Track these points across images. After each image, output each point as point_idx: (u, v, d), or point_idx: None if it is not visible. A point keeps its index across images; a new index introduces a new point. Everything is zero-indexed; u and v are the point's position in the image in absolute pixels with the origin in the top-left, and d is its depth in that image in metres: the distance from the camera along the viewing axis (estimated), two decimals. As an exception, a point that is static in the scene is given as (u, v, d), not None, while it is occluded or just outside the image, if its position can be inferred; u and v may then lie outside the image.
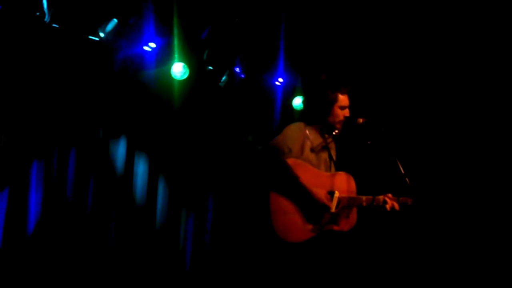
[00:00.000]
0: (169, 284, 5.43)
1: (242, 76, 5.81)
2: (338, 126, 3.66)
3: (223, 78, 5.69)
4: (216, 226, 5.75)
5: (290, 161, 3.46)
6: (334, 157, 3.73)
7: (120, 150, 5.38)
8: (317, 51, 5.62)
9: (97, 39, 4.99)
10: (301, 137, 3.58)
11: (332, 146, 3.77)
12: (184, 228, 5.71)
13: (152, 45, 5.27)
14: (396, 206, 3.53)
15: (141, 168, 5.50)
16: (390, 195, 3.56)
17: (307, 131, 3.63)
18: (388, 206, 3.52)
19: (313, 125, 3.68)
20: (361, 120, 3.66)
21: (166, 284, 5.42)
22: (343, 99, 3.64)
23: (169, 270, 5.49)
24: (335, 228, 3.51)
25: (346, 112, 3.65)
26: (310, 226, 3.43)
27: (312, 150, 3.59)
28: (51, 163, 4.89)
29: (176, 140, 5.67)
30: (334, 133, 3.72)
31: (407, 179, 3.39)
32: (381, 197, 3.55)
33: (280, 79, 5.93)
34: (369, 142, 3.61)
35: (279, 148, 3.50)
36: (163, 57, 5.41)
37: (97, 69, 5.18)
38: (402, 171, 3.41)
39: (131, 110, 5.41)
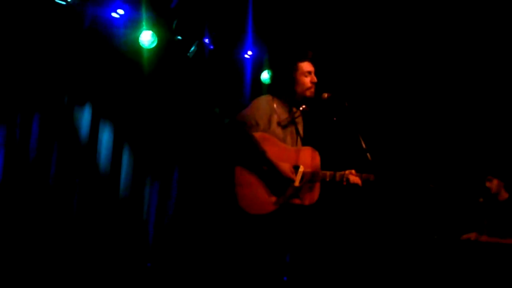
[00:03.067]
0: (131, 254, 5.44)
1: (211, 47, 5.77)
2: (308, 94, 3.65)
3: (192, 48, 5.64)
4: (181, 197, 5.75)
5: (257, 134, 3.47)
6: (300, 132, 3.75)
7: (85, 117, 5.31)
8: (285, 25, 5.60)
9: (63, 3, 4.88)
10: (268, 111, 3.58)
11: (299, 120, 3.79)
12: (148, 198, 5.70)
13: (120, 11, 5.19)
14: (359, 181, 3.58)
15: (106, 136, 5.46)
16: (353, 171, 3.59)
17: (275, 105, 3.63)
18: (350, 182, 3.57)
19: (281, 98, 3.69)
20: (325, 95, 3.67)
21: (129, 253, 5.42)
22: (304, 65, 3.65)
23: (132, 239, 5.49)
24: (298, 202, 3.54)
25: (313, 78, 3.65)
26: (273, 199, 3.46)
27: (279, 124, 3.60)
28: (13, 128, 4.81)
29: (142, 109, 5.62)
30: (301, 108, 3.74)
31: (368, 154, 3.43)
32: (344, 173, 3.59)
33: (249, 52, 5.91)
34: (334, 118, 3.64)
35: (246, 121, 3.51)
36: (132, 24, 5.34)
37: (64, 34, 5.07)
38: (364, 147, 3.46)
39: (97, 77, 5.33)
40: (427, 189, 4.18)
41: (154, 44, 5.38)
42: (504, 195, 5.24)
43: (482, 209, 5.34)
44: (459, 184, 5.69)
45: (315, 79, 3.67)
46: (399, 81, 5.87)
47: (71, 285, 4.82)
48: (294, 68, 3.65)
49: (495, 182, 5.21)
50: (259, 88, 5.90)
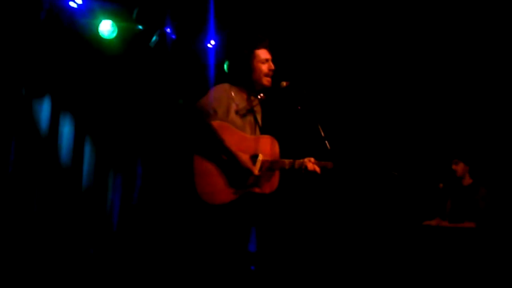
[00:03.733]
0: (96, 246, 5.38)
1: (173, 37, 5.71)
2: (265, 82, 3.64)
3: (153, 38, 5.57)
4: (144, 189, 5.70)
5: (215, 123, 3.43)
6: (259, 120, 3.73)
7: (44, 109, 5.20)
8: (243, 13, 5.56)
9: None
10: (226, 99, 3.55)
11: (258, 109, 3.77)
12: (112, 191, 5.64)
13: (79, 1, 5.08)
14: (317, 169, 3.58)
15: (66, 129, 5.36)
16: (312, 159, 3.60)
17: (233, 93, 3.60)
18: (309, 170, 3.57)
19: (239, 86, 3.66)
20: (284, 84, 3.67)
21: (93, 245, 5.36)
22: (261, 53, 3.63)
23: (96, 232, 5.43)
24: (258, 190, 3.54)
25: (271, 65, 3.64)
26: (232, 189, 3.44)
27: (237, 112, 3.57)
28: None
29: (104, 101, 5.54)
30: (259, 96, 3.72)
31: (327, 142, 3.44)
32: (302, 161, 3.59)
33: (212, 42, 5.86)
34: (299, 107, 3.62)
35: (204, 109, 3.47)
36: (91, 14, 5.24)
37: (21, 24, 4.96)
38: (323, 135, 3.46)
39: (56, 69, 5.23)
40: (390, 176, 4.20)
41: (114, 34, 5.30)
42: (468, 180, 5.32)
43: (443, 194, 5.41)
44: (421, 169, 5.76)
45: (272, 67, 3.65)
46: (358, 67, 5.89)
47: (34, 277, 4.74)
48: (251, 56, 3.63)
49: (461, 165, 5.29)
50: (223, 78, 5.87)
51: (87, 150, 5.49)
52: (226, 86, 3.63)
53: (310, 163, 3.57)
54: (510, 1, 5.15)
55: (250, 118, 3.67)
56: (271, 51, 3.68)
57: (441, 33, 5.58)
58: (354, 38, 5.75)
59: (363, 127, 5.96)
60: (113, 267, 5.32)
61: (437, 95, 5.92)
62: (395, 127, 5.97)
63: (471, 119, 5.86)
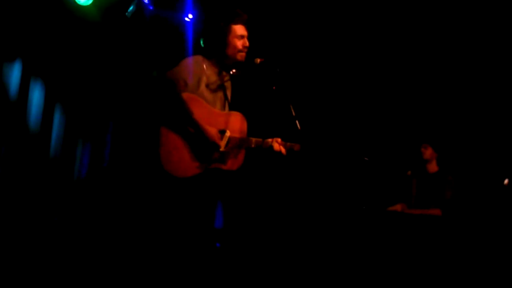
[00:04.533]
0: (59, 214, 5.34)
1: (151, 7, 5.63)
2: (239, 57, 3.61)
3: (131, 8, 5.49)
4: (112, 158, 5.66)
5: (185, 95, 3.40)
6: (229, 96, 3.71)
7: (14, 74, 5.10)
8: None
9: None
10: (198, 71, 3.51)
11: (228, 85, 3.74)
12: (80, 159, 5.59)
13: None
14: (283, 150, 3.59)
15: (36, 95, 5.27)
16: (279, 139, 3.60)
17: (205, 66, 3.57)
18: (274, 150, 3.57)
19: (211, 59, 3.63)
20: (258, 60, 3.64)
21: (56, 213, 5.31)
22: (238, 28, 3.60)
23: (61, 199, 5.39)
24: (222, 167, 3.53)
25: (246, 42, 3.61)
26: (197, 163, 3.42)
27: (207, 86, 3.54)
28: None
29: (76, 68, 5.46)
30: (231, 72, 3.70)
31: (297, 122, 3.43)
32: (269, 140, 3.59)
33: (190, 15, 5.79)
34: (274, 88, 3.60)
35: (174, 80, 3.43)
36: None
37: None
38: (294, 114, 3.45)
39: (28, 33, 5.12)
40: (359, 161, 4.22)
41: (91, 1, 5.21)
42: (435, 167, 5.39)
43: (410, 181, 5.47)
44: (389, 155, 5.81)
45: (247, 43, 3.63)
46: (332, 50, 5.89)
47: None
48: (227, 30, 3.60)
49: (429, 150, 5.35)
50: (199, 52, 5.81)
51: (57, 117, 5.42)
52: (198, 58, 3.60)
53: (277, 144, 3.57)
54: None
55: (220, 93, 3.65)
56: (248, 28, 3.65)
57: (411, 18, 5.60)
58: (331, 20, 5.73)
59: (333, 110, 5.97)
60: (77, 236, 5.29)
61: (411, 81, 5.95)
62: (367, 111, 5.99)
63: (443, 106, 5.91)
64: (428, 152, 5.35)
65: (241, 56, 3.63)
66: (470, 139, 5.76)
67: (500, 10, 5.23)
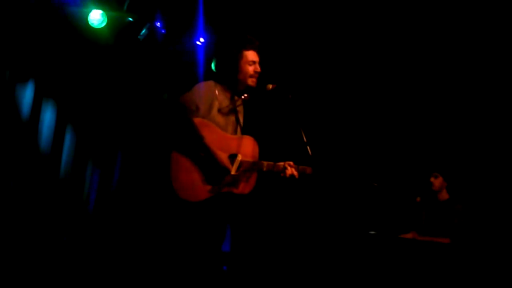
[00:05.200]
0: (69, 234, 5.34)
1: (163, 31, 5.68)
2: (250, 83, 3.63)
3: (143, 31, 5.55)
4: (122, 181, 5.67)
5: (197, 120, 3.42)
6: (241, 120, 3.73)
7: (27, 94, 5.16)
8: (235, 13, 5.56)
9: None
10: (210, 96, 3.54)
11: (241, 109, 3.76)
12: (90, 181, 5.60)
13: (70, -12, 5.06)
14: (296, 173, 3.59)
15: (48, 115, 5.32)
16: (291, 162, 3.61)
17: (217, 91, 3.60)
18: (287, 173, 3.57)
19: (223, 85, 3.65)
20: (270, 86, 3.67)
21: (66, 233, 5.32)
22: (249, 54, 3.63)
23: (71, 219, 5.39)
24: (234, 190, 3.53)
25: (257, 68, 3.63)
26: (209, 187, 3.42)
27: (220, 111, 3.57)
28: None
29: (88, 90, 5.50)
30: (243, 97, 3.72)
31: (308, 147, 3.44)
32: (281, 164, 3.59)
33: (201, 39, 5.85)
34: (286, 111, 3.62)
35: (186, 105, 3.46)
36: (82, 2, 5.21)
37: (9, 7, 4.91)
38: (305, 140, 3.46)
39: (42, 54, 5.18)
40: (369, 187, 4.21)
41: (104, 24, 5.27)
42: (445, 195, 5.36)
43: (420, 208, 5.44)
44: (400, 181, 5.79)
45: (258, 69, 3.65)
46: (345, 76, 5.91)
47: (7, 263, 4.69)
48: (239, 56, 3.63)
49: (439, 179, 5.33)
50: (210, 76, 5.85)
51: (68, 138, 5.45)
52: (211, 83, 3.62)
53: (289, 167, 3.58)
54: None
55: (232, 117, 3.67)
56: (259, 54, 3.68)
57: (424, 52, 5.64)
58: (341, 46, 5.77)
59: (345, 135, 5.98)
60: (85, 257, 5.28)
61: (421, 108, 5.96)
62: (378, 137, 5.99)
63: (454, 135, 5.90)
64: (438, 182, 5.32)
65: (252, 81, 3.65)
66: (482, 166, 5.74)
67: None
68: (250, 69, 3.63)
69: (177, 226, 3.58)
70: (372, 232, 4.87)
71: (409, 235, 5.30)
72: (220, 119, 3.56)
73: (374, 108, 5.97)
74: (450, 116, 5.90)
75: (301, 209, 5.68)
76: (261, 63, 3.68)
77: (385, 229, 5.38)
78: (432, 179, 5.33)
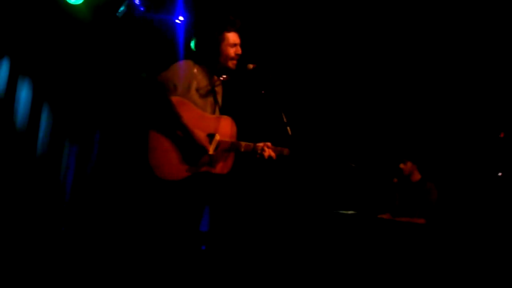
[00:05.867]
0: (46, 213, 5.30)
1: (142, 8, 5.60)
2: (230, 65, 3.61)
3: (121, 8, 5.46)
4: (100, 160, 5.63)
5: (174, 99, 3.40)
6: (219, 100, 3.71)
7: (2, 72, 5.07)
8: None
9: None
10: (188, 75, 3.51)
11: (219, 90, 3.75)
12: (67, 160, 5.55)
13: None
14: (273, 155, 3.59)
15: (24, 93, 5.24)
16: (269, 143, 3.61)
17: (195, 70, 3.57)
18: (265, 154, 3.57)
19: (202, 65, 3.63)
20: (251, 66, 3.65)
21: (43, 214, 5.28)
22: (231, 36, 3.60)
23: (47, 200, 5.34)
24: (212, 170, 3.53)
25: (238, 50, 3.61)
26: (186, 166, 3.42)
27: (198, 90, 3.55)
28: None
29: (65, 68, 5.42)
30: (222, 77, 3.70)
31: (288, 128, 3.44)
32: (259, 145, 3.59)
33: (181, 17, 5.78)
34: (263, 92, 3.61)
35: (164, 84, 3.43)
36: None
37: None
38: (285, 121, 3.46)
39: (17, 31, 5.08)
40: (347, 167, 4.24)
41: (81, 0, 5.18)
42: (417, 176, 5.43)
43: (396, 189, 5.51)
44: (376, 164, 5.85)
45: (239, 51, 3.63)
46: (326, 60, 5.91)
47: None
48: (220, 38, 3.59)
49: (408, 164, 5.41)
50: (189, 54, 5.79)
51: (44, 117, 5.38)
52: (189, 63, 3.59)
53: (267, 148, 3.58)
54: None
55: (210, 97, 3.65)
56: (241, 35, 3.65)
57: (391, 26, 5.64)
58: (321, 27, 5.75)
59: (324, 117, 5.99)
60: (61, 237, 5.26)
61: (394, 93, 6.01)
62: (356, 121, 6.02)
63: (421, 117, 5.97)
64: (407, 167, 5.40)
65: (232, 64, 3.63)
66: (452, 143, 5.82)
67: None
68: (231, 51, 3.60)
69: (154, 205, 3.57)
70: (350, 212, 4.91)
71: (385, 216, 5.37)
72: (198, 99, 3.54)
73: (354, 92, 5.99)
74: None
75: (278, 190, 5.71)
76: (242, 43, 3.65)
77: (362, 209, 5.44)
78: (401, 165, 5.41)
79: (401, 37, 5.70)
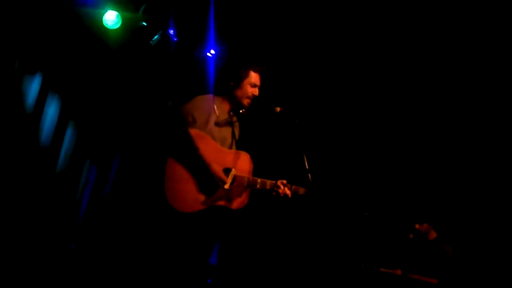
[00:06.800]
0: (58, 232, 5.32)
1: (175, 39, 5.71)
2: (244, 102, 3.68)
3: (155, 36, 5.57)
4: (117, 182, 5.66)
5: (193, 131, 3.46)
6: (236, 135, 3.76)
7: (33, 86, 5.18)
8: (248, 32, 5.58)
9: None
10: (208, 109, 3.58)
11: (237, 124, 3.80)
12: (85, 179, 5.60)
13: (88, -14, 5.11)
14: (288, 193, 3.59)
15: (51, 109, 5.32)
16: (284, 181, 3.61)
17: (215, 105, 3.64)
18: (280, 192, 3.57)
19: (223, 97, 3.70)
20: (278, 109, 3.71)
21: (55, 231, 5.30)
22: (254, 76, 3.67)
23: (61, 217, 5.38)
24: (226, 205, 3.54)
25: (256, 91, 3.68)
26: (202, 199, 3.44)
27: (216, 124, 3.60)
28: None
29: (94, 89, 5.52)
30: (241, 111, 3.75)
31: (309, 175, 3.44)
32: (274, 182, 3.60)
33: (212, 51, 5.87)
34: (284, 132, 3.64)
35: (184, 116, 3.50)
36: (98, 2, 5.26)
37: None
38: (307, 167, 3.46)
39: (53, 48, 5.21)
40: (361, 216, 4.20)
41: (118, 26, 5.31)
42: (433, 234, 5.33)
43: (409, 245, 5.41)
44: (392, 217, 5.75)
45: (257, 93, 3.72)
46: (353, 108, 5.90)
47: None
48: (245, 74, 3.67)
49: (424, 225, 5.32)
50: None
51: (68, 134, 5.45)
52: (209, 97, 3.68)
53: (282, 186, 3.58)
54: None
55: (228, 131, 3.70)
56: (262, 79, 3.73)
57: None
58: (349, 74, 5.77)
59: (346, 162, 5.95)
60: (72, 257, 5.27)
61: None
62: (379, 172, 5.95)
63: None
64: (423, 228, 5.31)
65: (247, 102, 3.70)
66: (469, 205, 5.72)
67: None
68: (250, 90, 3.68)
69: (166, 234, 3.58)
70: (361, 264, 4.84)
71: (396, 272, 5.26)
72: (216, 132, 3.60)
73: (379, 141, 5.94)
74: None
75: (291, 229, 5.66)
76: (270, 84, 3.72)
77: (372, 262, 5.35)
78: (417, 226, 5.32)
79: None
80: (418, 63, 5.50)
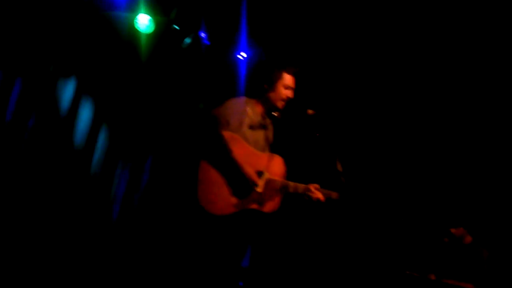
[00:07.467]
0: (93, 231, 5.38)
1: (207, 42, 5.73)
2: (278, 105, 3.66)
3: (187, 40, 5.60)
4: (150, 184, 5.70)
5: (227, 134, 3.45)
6: (270, 138, 3.73)
7: (68, 89, 5.25)
8: (281, 33, 5.56)
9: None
10: (241, 112, 3.57)
11: (270, 127, 3.77)
12: (118, 181, 5.65)
13: (121, -9, 5.16)
14: (321, 197, 3.56)
15: (85, 113, 5.39)
16: (317, 185, 3.58)
17: (249, 108, 3.63)
18: (313, 196, 3.54)
19: (256, 99, 3.69)
20: (310, 112, 3.67)
21: (90, 230, 5.36)
22: (288, 78, 3.65)
23: (95, 218, 5.44)
24: (259, 208, 3.52)
25: (290, 93, 3.66)
26: (234, 202, 3.43)
27: (250, 127, 3.58)
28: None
29: (127, 92, 5.57)
30: (274, 114, 3.73)
31: (342, 178, 3.41)
32: (307, 186, 3.57)
33: (244, 54, 5.87)
34: (317, 134, 3.62)
35: (217, 119, 3.50)
36: (131, 6, 5.31)
37: (62, 5, 5.03)
38: (340, 170, 3.44)
39: (87, 52, 5.28)
40: (395, 220, 4.14)
41: (151, 30, 5.35)
42: (468, 239, 5.24)
43: (445, 250, 5.32)
44: (427, 222, 5.66)
45: (290, 95, 3.68)
46: (388, 111, 5.84)
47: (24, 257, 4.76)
48: (278, 76, 3.65)
49: (460, 229, 5.24)
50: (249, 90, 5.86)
51: (102, 137, 5.51)
52: (243, 99, 3.67)
53: (315, 190, 3.55)
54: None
55: (262, 134, 3.68)
56: (296, 81, 3.70)
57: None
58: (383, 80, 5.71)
59: (379, 165, 5.88)
60: (106, 260, 5.32)
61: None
62: (414, 173, 5.87)
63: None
64: (459, 232, 5.23)
65: (281, 104, 3.68)
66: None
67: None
68: (284, 92, 3.66)
69: (198, 237, 3.58)
70: (395, 270, 4.78)
71: (431, 276, 5.18)
72: (249, 135, 3.58)
73: (414, 144, 5.86)
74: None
75: (323, 233, 5.62)
76: (304, 87, 3.70)
77: (407, 267, 5.28)
78: (452, 230, 5.23)
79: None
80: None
